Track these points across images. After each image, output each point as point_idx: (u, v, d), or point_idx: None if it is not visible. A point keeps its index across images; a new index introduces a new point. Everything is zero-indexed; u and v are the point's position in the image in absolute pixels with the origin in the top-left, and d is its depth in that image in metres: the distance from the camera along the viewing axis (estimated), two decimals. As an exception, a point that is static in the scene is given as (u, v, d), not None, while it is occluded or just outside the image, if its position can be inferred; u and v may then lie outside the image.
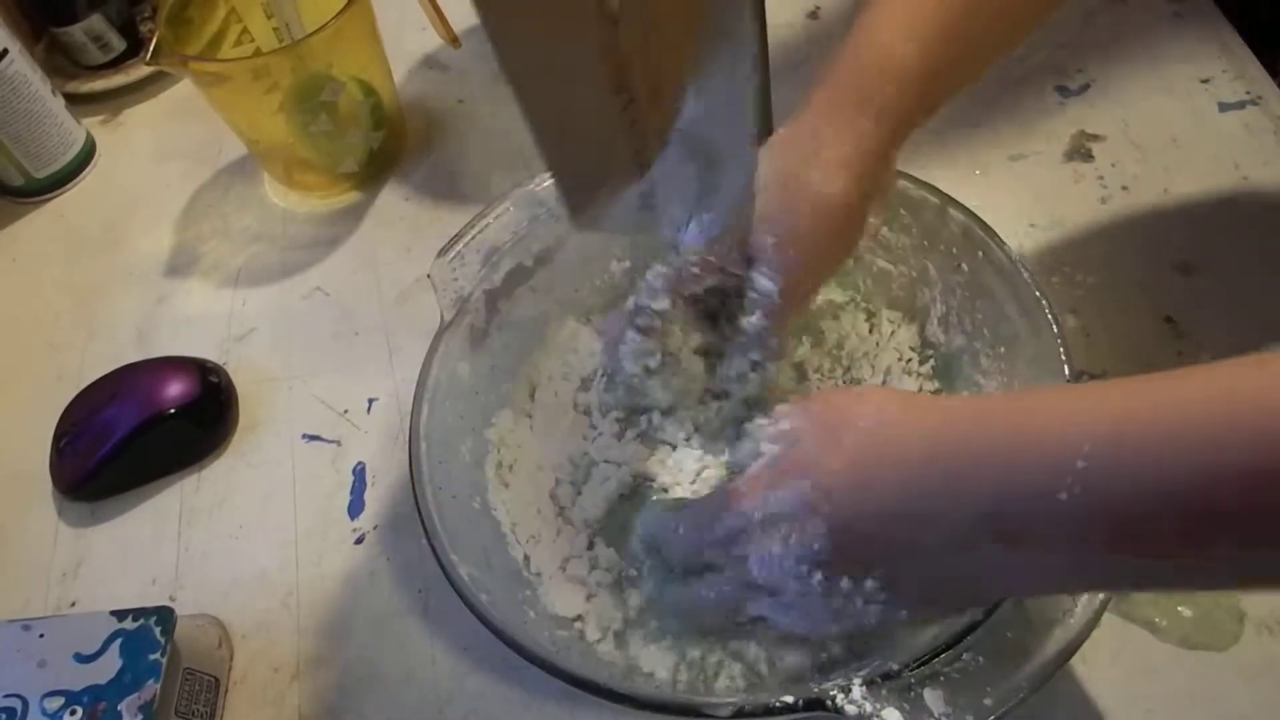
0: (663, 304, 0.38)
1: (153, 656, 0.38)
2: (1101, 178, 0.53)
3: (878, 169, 0.37)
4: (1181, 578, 0.27)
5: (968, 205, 0.42)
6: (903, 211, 0.44)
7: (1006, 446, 0.27)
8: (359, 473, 0.49)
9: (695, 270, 0.37)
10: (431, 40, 0.65)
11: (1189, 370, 0.25)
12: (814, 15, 0.65)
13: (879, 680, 0.30)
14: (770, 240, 0.36)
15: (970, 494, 0.27)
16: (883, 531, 0.29)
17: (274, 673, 0.43)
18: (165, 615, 0.39)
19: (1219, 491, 0.23)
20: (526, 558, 0.41)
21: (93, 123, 0.69)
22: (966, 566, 0.28)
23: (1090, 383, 0.27)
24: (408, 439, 0.40)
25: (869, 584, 0.30)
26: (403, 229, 0.59)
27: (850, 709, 0.30)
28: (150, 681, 0.38)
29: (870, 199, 0.38)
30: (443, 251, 0.45)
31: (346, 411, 0.51)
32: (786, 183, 0.36)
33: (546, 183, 0.46)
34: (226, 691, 0.43)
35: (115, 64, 0.71)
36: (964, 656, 0.30)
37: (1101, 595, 0.30)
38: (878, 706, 0.29)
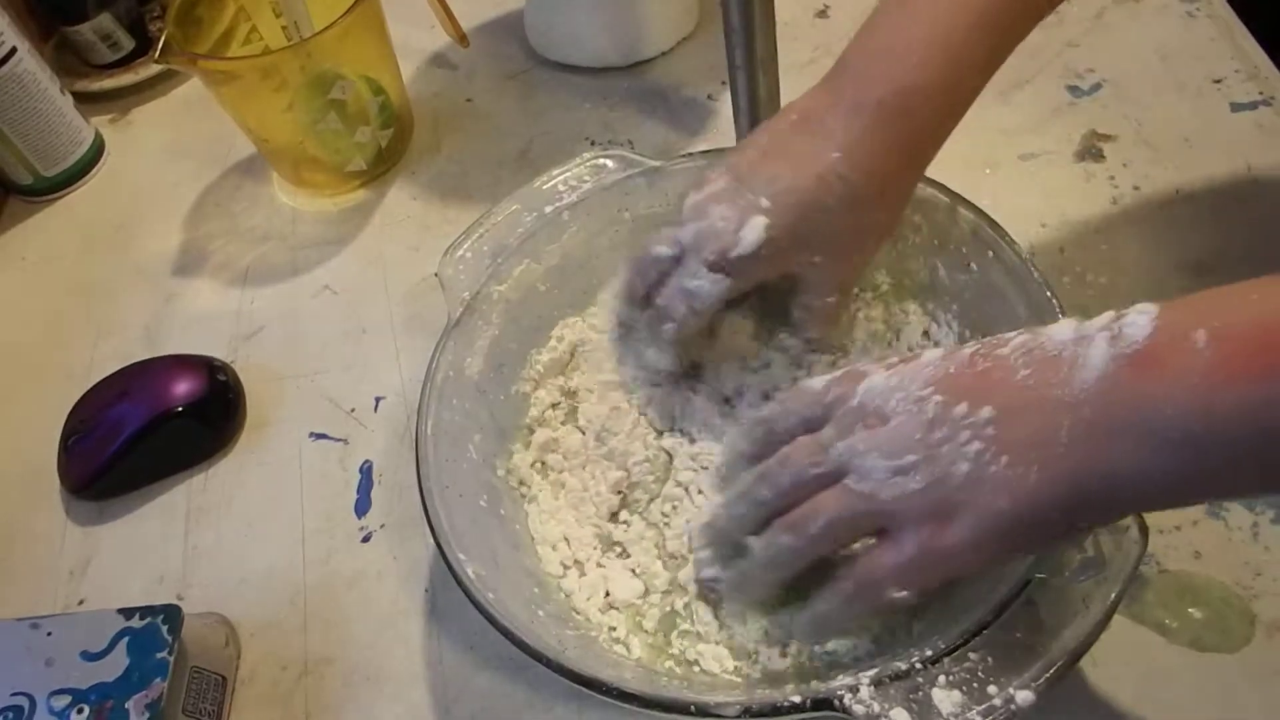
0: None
1: (160, 655, 0.38)
2: (1113, 177, 0.52)
3: None
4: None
5: (978, 204, 0.42)
6: (911, 210, 0.44)
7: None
8: (366, 471, 0.49)
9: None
10: (440, 39, 0.65)
11: None
12: (823, 14, 0.64)
13: (887, 680, 0.30)
14: (835, 266, 0.41)
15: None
16: (1006, 370, 0.30)
17: (281, 671, 0.43)
18: (173, 614, 0.39)
19: None
20: (576, 561, 0.41)
21: (101, 121, 0.69)
22: (1089, 406, 0.27)
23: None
24: (414, 437, 0.40)
25: (984, 412, 0.29)
26: (410, 227, 0.59)
27: (858, 709, 0.29)
28: (157, 680, 0.38)
29: None
30: (450, 250, 0.45)
31: (354, 410, 0.51)
32: (865, 225, 0.40)
33: (552, 181, 0.46)
34: (234, 690, 0.43)
35: (124, 63, 0.71)
36: (972, 657, 0.30)
37: (1113, 595, 0.29)
38: (885, 706, 0.29)
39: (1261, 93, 0.54)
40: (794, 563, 0.34)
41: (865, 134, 0.37)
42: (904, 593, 0.31)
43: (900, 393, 0.31)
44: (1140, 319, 0.28)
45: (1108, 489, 0.28)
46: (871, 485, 0.31)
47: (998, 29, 0.37)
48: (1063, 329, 0.30)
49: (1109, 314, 0.29)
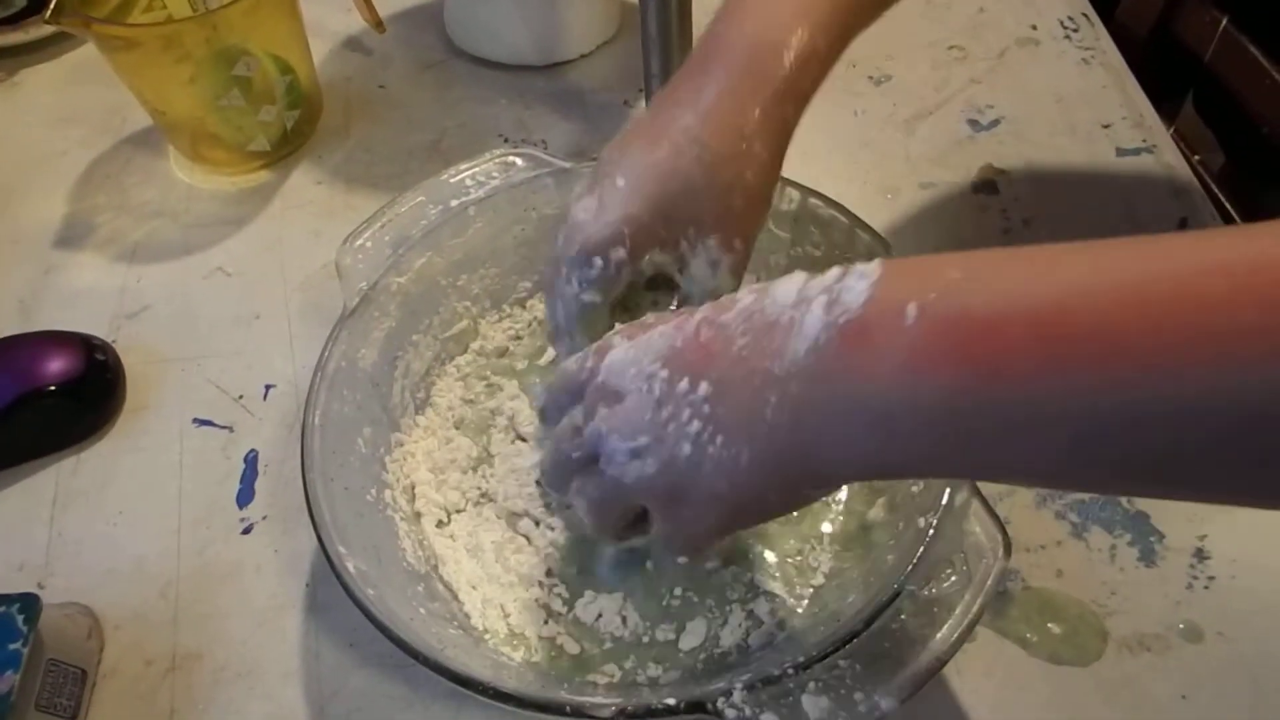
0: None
1: (13, 646, 0.36)
2: (1004, 210, 0.55)
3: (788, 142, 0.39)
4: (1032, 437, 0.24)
5: (877, 227, 0.43)
6: (813, 229, 0.45)
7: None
8: (251, 461, 0.47)
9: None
10: (356, 22, 0.63)
11: None
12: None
13: (759, 685, 0.30)
14: (715, 240, 0.38)
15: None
16: (725, 341, 0.29)
17: (146, 666, 0.41)
18: (29, 603, 0.37)
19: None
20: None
21: (-15, 80, 0.65)
22: (796, 381, 0.27)
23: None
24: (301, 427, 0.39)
25: (702, 389, 0.29)
26: (312, 213, 0.58)
27: (730, 713, 0.30)
28: (8, 672, 0.36)
29: None
30: (349, 238, 0.44)
31: (242, 397, 0.50)
32: (727, 185, 0.37)
33: (460, 176, 0.45)
34: (94, 685, 0.41)
35: (13, 20, 0.67)
36: (841, 664, 0.31)
37: (975, 608, 0.31)
38: (757, 710, 0.30)
39: (1145, 140, 0.57)
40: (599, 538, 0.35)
41: (719, 96, 0.37)
42: (684, 559, 0.33)
43: (634, 368, 0.31)
44: (859, 284, 0.26)
45: (815, 466, 0.28)
46: (616, 469, 0.31)
47: (851, 5, 0.38)
48: (788, 288, 0.28)
49: (835, 271, 0.27)
